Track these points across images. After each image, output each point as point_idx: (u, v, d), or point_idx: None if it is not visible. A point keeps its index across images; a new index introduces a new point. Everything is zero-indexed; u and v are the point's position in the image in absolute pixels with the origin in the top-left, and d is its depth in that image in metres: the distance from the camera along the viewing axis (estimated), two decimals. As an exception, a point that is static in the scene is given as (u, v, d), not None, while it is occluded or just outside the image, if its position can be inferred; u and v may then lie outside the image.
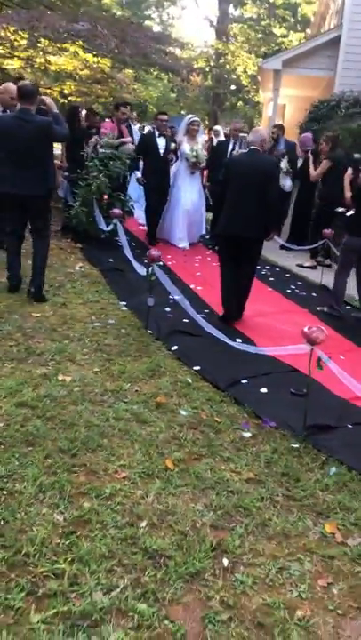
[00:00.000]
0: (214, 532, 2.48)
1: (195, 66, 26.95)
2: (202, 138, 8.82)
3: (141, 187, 8.44)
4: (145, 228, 8.76)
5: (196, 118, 8.73)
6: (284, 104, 18.29)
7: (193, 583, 2.20)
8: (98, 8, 13.82)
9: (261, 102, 27.12)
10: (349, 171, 5.86)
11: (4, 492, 2.52)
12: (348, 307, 6.19)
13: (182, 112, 33.11)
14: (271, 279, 7.13)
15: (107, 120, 8.53)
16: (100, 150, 7.45)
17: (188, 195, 8.44)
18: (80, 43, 11.31)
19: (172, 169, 8.47)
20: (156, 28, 37.72)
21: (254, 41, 29.41)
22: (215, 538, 2.44)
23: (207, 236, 9.03)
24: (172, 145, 8.14)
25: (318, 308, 5.93)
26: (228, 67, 29.83)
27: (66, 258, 6.91)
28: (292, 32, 30.32)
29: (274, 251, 8.34)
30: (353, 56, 13.17)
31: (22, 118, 4.85)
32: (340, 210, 6.36)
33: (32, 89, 4.98)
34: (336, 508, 2.76)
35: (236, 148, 8.38)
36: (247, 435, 3.34)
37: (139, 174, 8.12)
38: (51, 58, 13.10)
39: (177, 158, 8.49)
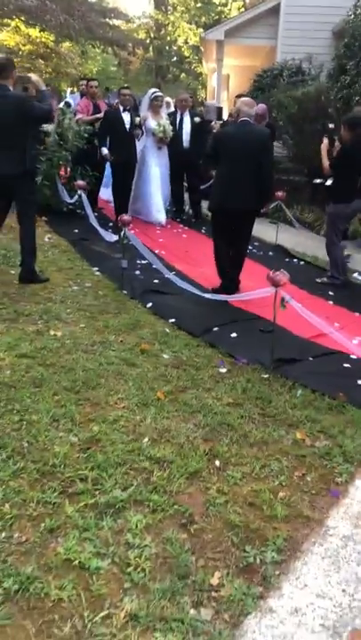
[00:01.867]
0: (205, 443, 2.95)
1: (135, 37, 26.94)
2: (165, 112, 8.74)
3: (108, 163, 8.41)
4: (111, 204, 8.72)
5: (160, 93, 8.73)
6: (228, 74, 18.60)
7: (193, 479, 2.66)
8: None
9: (205, 73, 27.37)
10: (325, 140, 6.03)
11: (24, 422, 2.93)
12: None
13: (125, 85, 33.00)
14: (230, 242, 7.60)
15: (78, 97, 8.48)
16: (75, 127, 7.59)
17: (158, 169, 8.46)
18: (22, 18, 11.35)
19: (139, 145, 8.43)
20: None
21: (194, 11, 29.42)
22: (207, 446, 2.90)
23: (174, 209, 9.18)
24: (137, 119, 8.07)
25: (318, 280, 6.05)
26: (169, 38, 29.82)
27: (33, 231, 7.19)
28: (230, 1, 30.42)
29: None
30: (293, 24, 13.51)
31: None
32: (318, 181, 6.48)
33: (5, 62, 4.74)
34: (304, 421, 3.26)
35: (185, 120, 8.50)
36: (223, 370, 3.81)
37: (105, 150, 7.95)
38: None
39: (143, 133, 8.42)
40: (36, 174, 5.36)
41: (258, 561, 2.21)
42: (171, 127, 8.32)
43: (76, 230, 7.19)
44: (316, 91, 8.63)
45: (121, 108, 7.98)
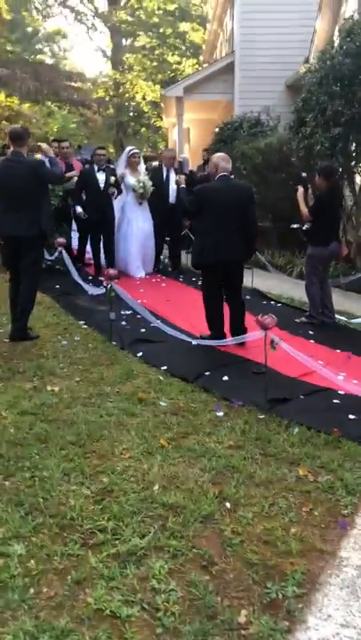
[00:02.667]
0: (214, 487, 3.03)
1: (94, 96, 27.84)
2: (143, 168, 8.97)
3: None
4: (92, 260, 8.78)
5: (137, 150, 8.96)
6: (188, 127, 19.32)
7: (207, 523, 2.74)
8: (3, 50, 14.28)
9: (164, 127, 28.32)
10: (301, 189, 6.32)
11: (36, 479, 2.98)
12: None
13: (85, 141, 33.87)
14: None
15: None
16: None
17: (140, 224, 8.61)
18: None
19: (116, 202, 8.59)
20: (49, 62, 38.27)
21: (150, 69, 30.62)
22: (216, 489, 2.99)
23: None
24: (112, 179, 8.22)
25: (297, 320, 6.26)
26: (127, 95, 30.86)
27: (14, 289, 7.29)
28: (184, 59, 31.80)
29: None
30: (247, 79, 14.31)
31: (13, 160, 5.06)
32: (296, 226, 6.69)
33: (21, 132, 5.17)
34: (304, 458, 3.38)
35: (171, 176, 8.65)
36: (220, 414, 3.93)
37: (80, 209, 8.16)
38: None
39: (119, 192, 8.53)
40: (47, 235, 5.54)
41: (280, 596, 2.29)
42: (150, 183, 8.48)
43: (58, 286, 7.32)
44: (278, 142, 9.09)
45: (95, 168, 8.15)
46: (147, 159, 11.07)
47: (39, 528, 2.60)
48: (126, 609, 2.17)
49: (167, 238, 9.25)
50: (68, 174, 8.25)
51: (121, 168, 8.65)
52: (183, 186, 5.70)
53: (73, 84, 11.16)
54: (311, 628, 2.15)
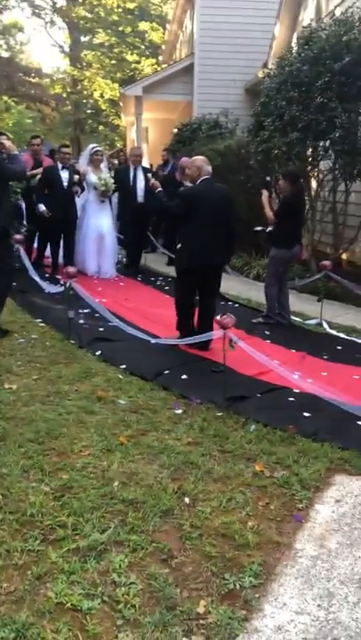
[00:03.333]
0: (173, 482, 3.08)
1: (52, 92, 27.51)
2: (105, 166, 8.87)
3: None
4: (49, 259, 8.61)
5: (100, 148, 8.83)
6: (146, 127, 19.32)
7: (166, 517, 2.79)
8: None
9: (122, 125, 28.25)
10: (265, 192, 6.44)
11: (-5, 476, 2.97)
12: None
13: (42, 137, 33.38)
14: (166, 288, 7.90)
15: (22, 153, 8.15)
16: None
17: (99, 222, 8.52)
18: None
19: (78, 201, 8.48)
20: (4, 55, 37.55)
21: (109, 67, 30.49)
22: (175, 485, 3.04)
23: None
24: (76, 177, 8.12)
25: (253, 321, 6.34)
26: (85, 92, 30.65)
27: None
28: (143, 58, 31.81)
29: (160, 263, 9.12)
30: (206, 81, 14.43)
31: None
32: (259, 228, 6.75)
33: None
34: (260, 454, 3.46)
35: (139, 175, 8.61)
36: (179, 411, 3.98)
37: (42, 207, 7.98)
38: None
39: (82, 190, 8.44)
40: (10, 231, 5.48)
41: (238, 587, 2.36)
42: (112, 180, 8.39)
43: (14, 283, 7.20)
44: (236, 144, 9.22)
45: (60, 166, 8.06)
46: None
47: (-1, 524, 2.60)
48: (87, 602, 2.20)
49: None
50: (33, 172, 8.15)
51: (83, 165, 8.56)
52: (160, 189, 5.62)
53: (31, 79, 11.00)
54: (268, 615, 2.22)
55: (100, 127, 33.95)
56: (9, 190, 5.55)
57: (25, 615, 2.11)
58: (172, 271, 8.97)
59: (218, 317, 3.92)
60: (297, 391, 4.42)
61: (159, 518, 2.76)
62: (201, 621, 2.17)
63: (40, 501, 2.77)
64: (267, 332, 6.00)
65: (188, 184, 5.77)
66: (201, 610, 2.23)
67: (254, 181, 8.66)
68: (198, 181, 5.27)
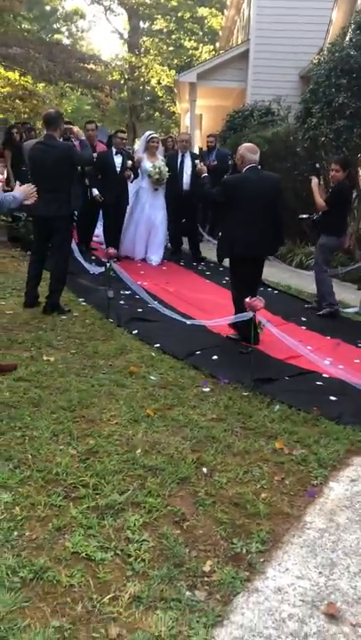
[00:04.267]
0: (193, 453, 3.23)
1: (109, 79, 27.82)
2: (162, 153, 8.75)
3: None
4: (103, 245, 8.52)
5: (155, 134, 8.71)
6: (200, 114, 19.35)
7: (183, 484, 2.94)
8: (19, 29, 14.37)
9: (177, 112, 28.33)
10: (315, 179, 6.36)
11: (26, 438, 3.19)
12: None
13: (100, 124, 33.89)
14: (208, 273, 8.01)
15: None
16: None
17: (152, 211, 8.45)
18: (4, 64, 11.89)
19: (132, 186, 8.41)
20: (66, 42, 38.06)
21: (166, 54, 30.52)
22: (194, 456, 3.19)
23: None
24: (129, 162, 8.04)
25: (318, 313, 6.26)
26: (142, 79, 30.80)
27: (19, 265, 7.49)
28: (201, 44, 31.66)
29: (205, 249, 9.21)
30: (261, 68, 14.31)
31: (45, 143, 5.23)
32: (305, 216, 6.66)
33: (55, 116, 5.34)
34: (282, 433, 3.56)
35: (186, 162, 8.51)
36: (207, 389, 4.12)
37: (96, 192, 7.98)
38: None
39: (136, 176, 8.35)
40: (75, 215, 5.73)
41: (244, 551, 2.48)
42: (167, 169, 8.29)
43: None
44: (284, 131, 9.19)
45: (114, 151, 8.05)
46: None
47: (26, 480, 2.81)
48: (101, 553, 2.37)
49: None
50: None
51: (139, 152, 8.50)
52: (206, 174, 5.60)
53: (87, 65, 11.31)
54: (269, 578, 2.34)
55: (156, 114, 34.09)
56: (76, 175, 5.79)
57: (43, 560, 2.30)
58: (214, 256, 9.10)
59: (248, 300, 4.01)
60: (326, 376, 4.47)
61: (176, 485, 2.91)
62: (205, 579, 2.31)
63: (66, 462, 2.97)
64: (303, 319, 6.04)
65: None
66: (207, 569, 2.36)
67: (301, 169, 8.61)
68: (244, 170, 5.16)
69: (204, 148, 11.28)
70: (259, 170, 5.14)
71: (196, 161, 8.48)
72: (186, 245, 9.27)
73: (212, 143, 10.14)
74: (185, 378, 4.29)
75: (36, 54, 9.51)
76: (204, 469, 3.08)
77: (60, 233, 5.50)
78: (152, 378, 4.22)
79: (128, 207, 8.40)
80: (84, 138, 5.74)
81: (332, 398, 4.08)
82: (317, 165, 7.52)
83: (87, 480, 2.84)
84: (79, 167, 6.89)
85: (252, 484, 2.99)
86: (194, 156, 8.83)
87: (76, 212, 5.82)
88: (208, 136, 11.07)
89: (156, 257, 8.60)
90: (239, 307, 4.99)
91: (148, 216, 8.45)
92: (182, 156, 8.64)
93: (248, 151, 5.16)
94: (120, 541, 2.47)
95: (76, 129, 5.78)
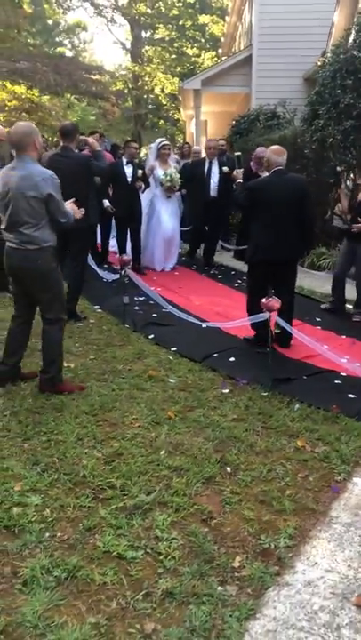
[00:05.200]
0: (216, 453, 3.26)
1: (113, 88, 28.07)
2: (174, 160, 8.68)
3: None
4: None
5: (167, 142, 8.60)
6: (205, 120, 19.46)
7: (208, 484, 2.97)
8: (25, 44, 14.57)
9: (182, 119, 28.48)
10: (343, 185, 6.28)
11: (52, 442, 3.24)
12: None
13: (105, 133, 34.14)
14: (220, 277, 8.06)
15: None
16: None
17: (167, 219, 8.36)
18: (12, 78, 12.08)
19: (144, 196, 8.31)
20: (69, 54, 38.39)
21: (169, 62, 30.74)
22: (218, 456, 3.22)
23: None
24: (140, 172, 7.90)
25: (355, 319, 6.14)
26: (146, 88, 31.04)
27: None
28: (203, 51, 31.87)
29: (218, 254, 9.26)
30: (264, 72, 14.37)
31: (62, 155, 5.30)
32: (342, 226, 6.50)
33: (71, 128, 5.42)
34: (303, 431, 3.59)
35: (214, 169, 8.44)
36: (226, 391, 4.15)
37: (107, 203, 7.86)
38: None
39: (147, 186, 8.26)
40: (95, 225, 5.69)
41: (272, 546, 2.51)
42: (178, 176, 8.20)
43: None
44: (292, 134, 9.23)
45: (125, 161, 7.89)
46: None
47: (54, 483, 2.86)
48: (132, 552, 2.42)
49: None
50: None
51: (151, 160, 8.41)
52: (240, 181, 5.52)
53: (92, 76, 11.46)
54: (299, 572, 2.37)
55: (161, 122, 34.31)
56: (94, 186, 5.82)
57: (76, 560, 2.35)
58: (225, 260, 9.18)
59: (264, 300, 4.05)
60: (344, 374, 4.50)
61: (201, 484, 2.95)
62: (235, 574, 2.35)
63: (92, 465, 3.02)
64: (318, 319, 6.06)
65: (266, 174, 5.44)
66: (236, 564, 2.40)
67: (310, 170, 8.65)
68: (270, 173, 5.05)
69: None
70: (284, 172, 4.96)
71: (224, 168, 8.44)
72: (200, 250, 9.28)
73: (222, 147, 9.86)
74: (203, 380, 4.33)
75: (43, 67, 9.63)
76: (228, 469, 3.11)
77: (77, 243, 5.55)
78: (171, 381, 4.26)
79: (143, 216, 8.30)
80: (99, 149, 5.76)
81: (351, 396, 4.10)
82: (339, 169, 7.46)
83: (114, 481, 2.89)
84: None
85: (277, 482, 3.02)
86: (221, 163, 8.65)
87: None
88: (218, 140, 10.83)
89: (170, 264, 8.55)
90: (249, 309, 5.09)
91: (164, 224, 8.37)
92: (210, 162, 8.54)
93: (274, 154, 5.00)
94: (150, 540, 2.51)
95: (91, 140, 5.81)
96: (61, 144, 5.50)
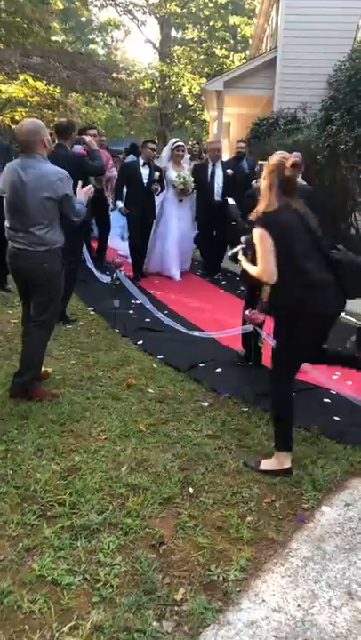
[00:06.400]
0: (182, 472, 3.11)
1: (141, 87, 27.99)
2: (187, 162, 8.32)
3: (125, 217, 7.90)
4: (128, 259, 7.88)
5: (181, 142, 8.21)
6: (228, 122, 19.29)
7: (166, 505, 2.82)
8: (45, 39, 14.55)
9: (208, 120, 28.30)
10: None
11: (10, 452, 3.12)
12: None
13: (132, 132, 34.13)
14: (223, 282, 7.89)
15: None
16: None
17: (178, 223, 8.04)
18: (29, 73, 12.06)
19: (158, 198, 7.92)
20: (101, 52, 38.52)
21: (197, 62, 30.57)
22: (182, 475, 3.07)
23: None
24: (157, 174, 7.55)
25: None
26: (173, 87, 30.93)
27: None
28: (233, 52, 31.63)
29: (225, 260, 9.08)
30: (288, 76, 14.14)
31: (55, 152, 5.07)
32: None
33: (66, 125, 5.37)
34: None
35: (217, 171, 8.13)
36: (205, 404, 4.00)
37: (120, 204, 7.62)
38: (1, 86, 13.74)
39: (162, 188, 7.88)
40: (86, 225, 5.60)
41: (221, 579, 2.36)
42: (192, 179, 7.92)
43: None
44: (305, 139, 9.01)
45: (141, 162, 7.56)
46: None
47: (1, 497, 2.73)
48: (68, 577, 2.28)
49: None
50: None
51: (164, 161, 8.01)
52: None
53: (119, 75, 11.39)
54: (243, 610, 2.21)
55: (187, 122, 34.16)
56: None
57: (7, 584, 2.22)
58: (230, 266, 8.97)
59: (247, 312, 3.89)
60: (334, 392, 4.31)
61: (158, 505, 2.80)
62: (176, 608, 2.20)
63: (46, 479, 2.89)
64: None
65: (302, 181, 5.11)
66: (178, 597, 2.25)
67: (324, 177, 8.42)
68: None
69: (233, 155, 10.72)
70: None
71: (228, 170, 8.18)
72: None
73: (242, 150, 9.25)
74: (184, 391, 4.18)
75: (56, 63, 9.57)
76: (191, 489, 2.96)
77: (69, 242, 5.42)
78: (150, 391, 4.12)
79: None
80: (96, 148, 5.64)
81: (336, 418, 3.91)
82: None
83: (65, 498, 2.75)
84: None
85: (240, 507, 2.86)
86: (225, 166, 8.38)
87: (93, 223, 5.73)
88: (238, 142, 10.20)
89: (181, 270, 8.22)
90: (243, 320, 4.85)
91: (174, 229, 8.03)
92: (213, 165, 8.23)
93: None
94: (90, 565, 2.37)
95: (88, 139, 5.72)
96: (56, 141, 5.40)
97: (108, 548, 2.47)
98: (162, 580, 2.33)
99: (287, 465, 3.17)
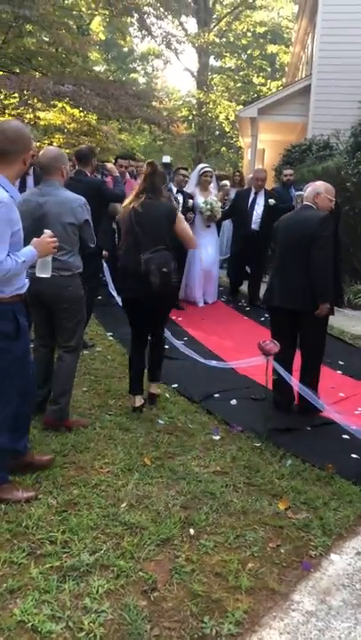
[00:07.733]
0: (184, 511, 2.96)
1: (179, 115, 28.33)
2: (215, 188, 8.17)
3: None
4: None
5: (209, 168, 8.10)
6: (263, 148, 19.27)
7: (164, 547, 2.67)
8: (83, 68, 14.85)
9: (243, 147, 28.42)
10: None
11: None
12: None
13: (183, 166, 34.43)
14: (247, 309, 7.75)
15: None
16: None
17: (205, 250, 7.82)
18: (64, 100, 12.33)
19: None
20: (142, 80, 39.22)
21: (234, 90, 30.86)
22: (184, 514, 2.92)
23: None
24: (190, 202, 7.40)
25: None
26: (210, 114, 31.22)
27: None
28: (270, 80, 31.84)
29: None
30: (322, 102, 14.11)
31: (75, 179, 5.13)
32: None
33: (86, 152, 5.37)
34: (289, 491, 3.24)
35: (259, 200, 7.90)
36: (216, 438, 3.85)
37: None
38: (40, 113, 14.02)
39: (195, 215, 7.67)
40: (103, 250, 5.58)
41: (214, 632, 2.20)
42: (219, 204, 7.76)
43: (99, 297, 7.41)
44: (335, 165, 8.87)
45: (174, 189, 7.38)
46: (219, 178, 10.22)
47: (-9, 533, 2.63)
48: (50, 624, 2.15)
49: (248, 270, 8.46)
50: None
51: (191, 187, 7.82)
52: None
53: (143, 102, 11.58)
54: (234, 670, 2.04)
55: (223, 149, 34.37)
56: (107, 212, 5.73)
57: (-16, 628, 2.10)
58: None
59: (261, 342, 3.74)
60: (354, 428, 4.09)
61: (155, 547, 2.66)
62: (161, 664, 2.04)
63: (40, 514, 2.78)
64: (340, 363, 5.66)
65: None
66: (165, 651, 2.10)
67: (353, 204, 8.25)
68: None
69: (274, 185, 10.38)
70: (304, 209, 4.34)
71: (270, 200, 7.91)
72: (244, 286, 8.57)
73: (290, 177, 8.89)
74: (195, 423, 4.04)
75: (87, 91, 9.73)
76: (191, 530, 2.81)
77: (87, 268, 5.40)
78: (160, 422, 4.00)
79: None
80: (117, 174, 5.65)
81: (354, 456, 3.71)
82: None
83: (57, 536, 2.64)
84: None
85: (242, 551, 2.69)
86: (268, 195, 8.05)
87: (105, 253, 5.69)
88: (285, 169, 9.83)
89: (209, 299, 8.03)
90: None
91: (202, 256, 7.80)
92: (255, 193, 7.95)
93: (309, 186, 4.45)
94: (75, 610, 2.24)
95: (109, 165, 5.77)
96: (76, 168, 5.40)
97: (97, 592, 2.33)
98: (150, 631, 2.18)
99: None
